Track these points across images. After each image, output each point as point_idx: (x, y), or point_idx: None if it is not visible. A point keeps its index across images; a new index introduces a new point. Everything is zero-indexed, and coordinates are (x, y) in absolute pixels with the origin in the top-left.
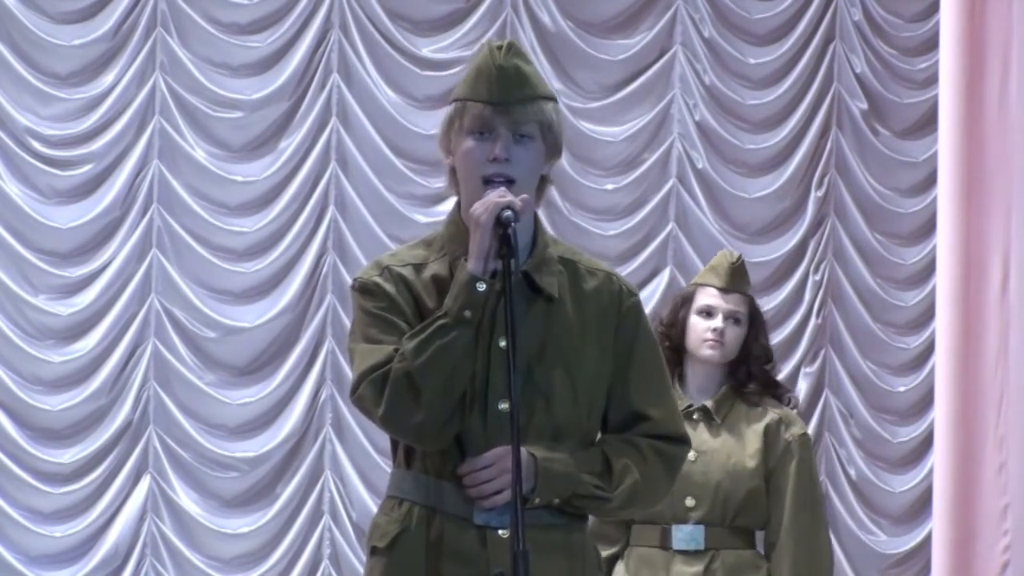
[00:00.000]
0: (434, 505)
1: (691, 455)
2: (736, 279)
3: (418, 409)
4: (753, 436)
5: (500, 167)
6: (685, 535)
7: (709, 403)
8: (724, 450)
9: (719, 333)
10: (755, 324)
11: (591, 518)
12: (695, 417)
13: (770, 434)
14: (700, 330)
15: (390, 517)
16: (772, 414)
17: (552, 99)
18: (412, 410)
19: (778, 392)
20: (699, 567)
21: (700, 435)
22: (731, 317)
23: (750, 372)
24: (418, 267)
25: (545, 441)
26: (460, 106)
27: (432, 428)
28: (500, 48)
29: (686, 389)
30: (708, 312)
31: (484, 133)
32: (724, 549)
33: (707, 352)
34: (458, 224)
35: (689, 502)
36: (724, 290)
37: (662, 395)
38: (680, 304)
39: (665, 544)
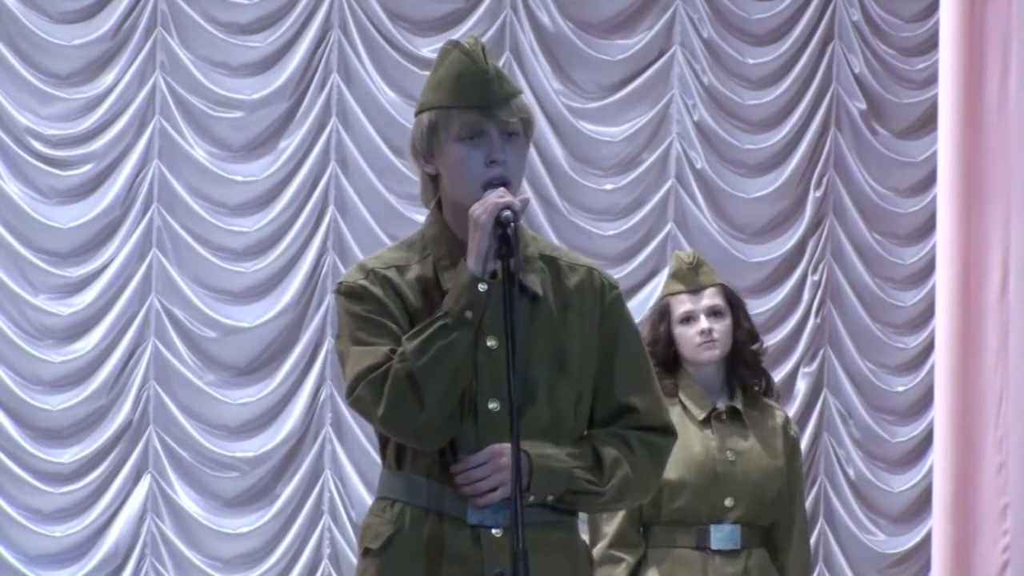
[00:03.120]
0: (427, 505)
1: (729, 455)
2: (699, 276)
3: (421, 409)
4: (775, 436)
5: (499, 170)
6: (724, 535)
7: (737, 404)
8: (756, 450)
9: (708, 332)
10: (735, 310)
11: (616, 523)
12: (723, 419)
13: (784, 433)
14: (689, 337)
15: (382, 518)
16: (778, 413)
17: (521, 91)
18: (414, 410)
19: (770, 389)
20: (738, 567)
21: (733, 436)
22: (711, 313)
23: (744, 360)
24: (401, 269)
25: (536, 438)
26: (444, 113)
27: (433, 428)
28: (476, 50)
29: (697, 391)
30: (688, 318)
31: (474, 138)
32: (754, 548)
33: (705, 355)
34: (441, 225)
35: (728, 502)
36: (693, 291)
37: (647, 387)
38: (658, 320)
39: (703, 544)
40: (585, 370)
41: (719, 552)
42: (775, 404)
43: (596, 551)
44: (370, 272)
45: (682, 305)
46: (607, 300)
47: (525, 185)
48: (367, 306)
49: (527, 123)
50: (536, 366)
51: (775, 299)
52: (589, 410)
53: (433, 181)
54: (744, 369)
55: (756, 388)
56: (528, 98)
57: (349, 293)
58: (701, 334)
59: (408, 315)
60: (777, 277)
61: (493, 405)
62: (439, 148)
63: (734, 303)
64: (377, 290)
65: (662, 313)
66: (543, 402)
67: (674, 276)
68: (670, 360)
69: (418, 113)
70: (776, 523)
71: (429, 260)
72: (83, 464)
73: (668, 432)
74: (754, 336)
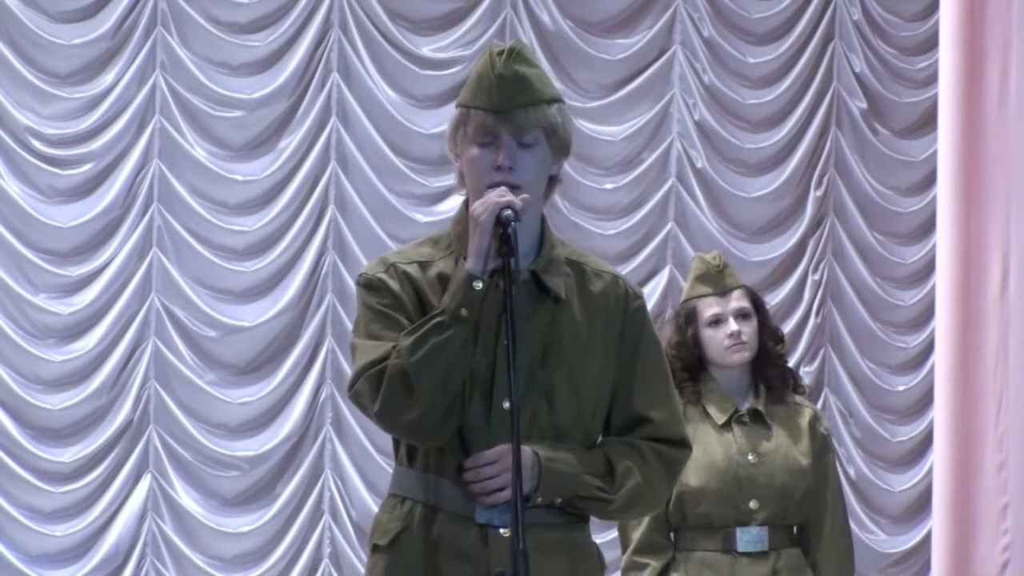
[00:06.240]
0: (436, 503)
1: (751, 458)
2: (726, 279)
3: (413, 406)
4: (801, 434)
5: (505, 175)
6: (752, 537)
7: (759, 405)
8: (781, 451)
9: (737, 335)
10: (760, 311)
11: (641, 530)
12: (746, 421)
13: (811, 430)
14: (719, 339)
15: (392, 515)
16: (806, 410)
17: (556, 100)
18: (406, 407)
19: (796, 383)
20: (766, 568)
21: (755, 437)
22: (739, 315)
23: (771, 360)
24: (424, 265)
25: (548, 441)
26: (464, 112)
27: (427, 425)
28: (501, 53)
29: (725, 394)
30: (717, 321)
31: (488, 141)
32: (783, 549)
33: (735, 357)
34: (465, 223)
35: (753, 504)
36: (720, 294)
37: (664, 398)
38: (685, 323)
39: (729, 547)
40: (604, 376)
41: (746, 555)
42: (804, 401)
43: (624, 558)
44: (391, 266)
45: (709, 308)
46: (630, 309)
47: None
48: (382, 299)
49: (549, 132)
50: (553, 368)
51: (776, 298)
52: (605, 417)
53: (463, 176)
54: (771, 370)
55: (781, 387)
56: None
57: (367, 285)
58: (730, 336)
59: (425, 311)
60: (778, 276)
61: (507, 404)
62: (461, 145)
63: (759, 305)
64: (394, 284)
65: (688, 316)
66: (559, 405)
67: (700, 279)
68: (696, 363)
69: (455, 108)
70: (806, 522)
71: (452, 257)
72: (83, 463)
73: (683, 445)
74: (779, 337)
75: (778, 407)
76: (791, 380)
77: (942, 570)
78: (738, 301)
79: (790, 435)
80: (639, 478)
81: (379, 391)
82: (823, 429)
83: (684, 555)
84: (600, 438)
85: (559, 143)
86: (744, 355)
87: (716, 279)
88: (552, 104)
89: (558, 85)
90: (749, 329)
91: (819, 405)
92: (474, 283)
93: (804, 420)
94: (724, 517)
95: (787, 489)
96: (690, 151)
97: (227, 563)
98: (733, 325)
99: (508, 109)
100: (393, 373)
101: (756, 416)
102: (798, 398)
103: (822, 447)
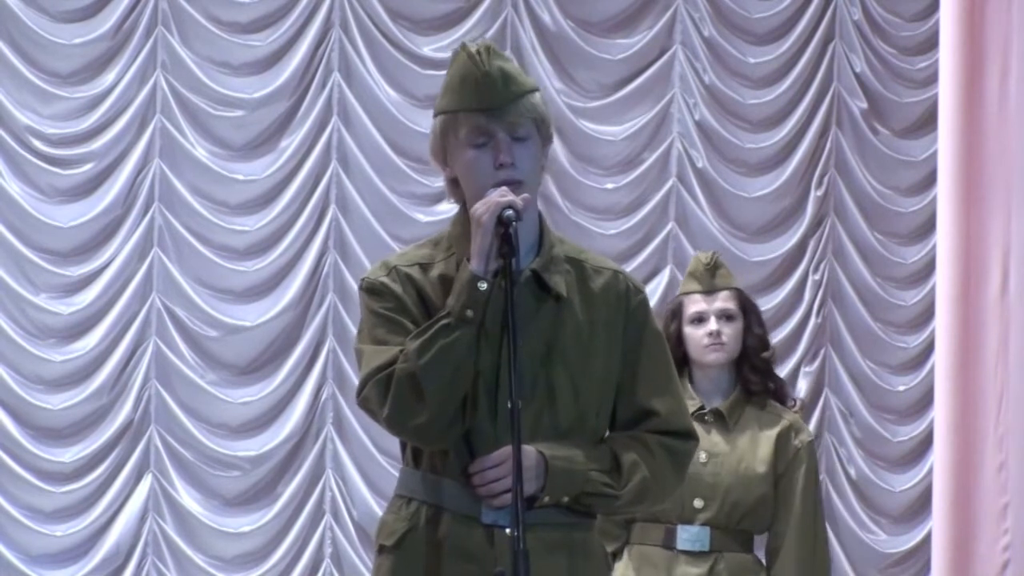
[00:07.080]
0: (442, 504)
1: (702, 456)
2: (716, 278)
3: (422, 409)
4: (765, 442)
5: (508, 172)
6: (691, 536)
7: (722, 406)
8: (736, 454)
9: (716, 335)
10: (748, 315)
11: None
12: (707, 419)
13: (781, 440)
14: (697, 337)
15: (398, 516)
16: (783, 420)
17: (537, 89)
18: (416, 410)
19: (781, 393)
20: (703, 568)
21: (712, 438)
22: (723, 316)
23: (752, 365)
24: (425, 266)
25: (556, 439)
26: (452, 117)
27: (436, 428)
28: (479, 53)
29: (697, 392)
30: (699, 319)
31: (483, 141)
32: (727, 552)
33: (711, 357)
34: (465, 224)
35: (697, 503)
36: (708, 292)
37: (669, 391)
38: (670, 318)
39: (669, 544)
40: (608, 372)
41: (685, 552)
42: (785, 411)
43: None
44: (393, 269)
45: (694, 305)
46: (632, 304)
47: None
48: (386, 303)
49: (539, 122)
50: (557, 367)
51: (776, 298)
52: (611, 412)
53: (455, 183)
54: (751, 375)
55: (761, 392)
56: (545, 94)
57: (370, 289)
58: (709, 336)
59: (429, 313)
60: (778, 276)
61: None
62: (452, 152)
63: (747, 308)
64: (397, 287)
65: (674, 311)
66: (562, 403)
67: (690, 275)
68: (678, 359)
69: (434, 118)
70: (773, 529)
71: (453, 258)
72: (84, 463)
73: (690, 436)
74: (765, 343)
75: (751, 412)
76: (775, 388)
77: (942, 570)
78: (724, 302)
79: (752, 441)
80: (646, 472)
81: (388, 396)
82: (798, 441)
83: (630, 547)
84: (607, 433)
85: (547, 132)
86: (720, 356)
87: (705, 278)
88: (535, 94)
89: (558, 85)
90: (730, 331)
91: (819, 405)
92: (478, 284)
93: (775, 429)
94: (668, 513)
95: (732, 493)
96: (690, 151)
97: (228, 563)
98: (713, 325)
99: (501, 105)
100: (401, 377)
101: (718, 417)
102: (780, 407)
103: (793, 459)
